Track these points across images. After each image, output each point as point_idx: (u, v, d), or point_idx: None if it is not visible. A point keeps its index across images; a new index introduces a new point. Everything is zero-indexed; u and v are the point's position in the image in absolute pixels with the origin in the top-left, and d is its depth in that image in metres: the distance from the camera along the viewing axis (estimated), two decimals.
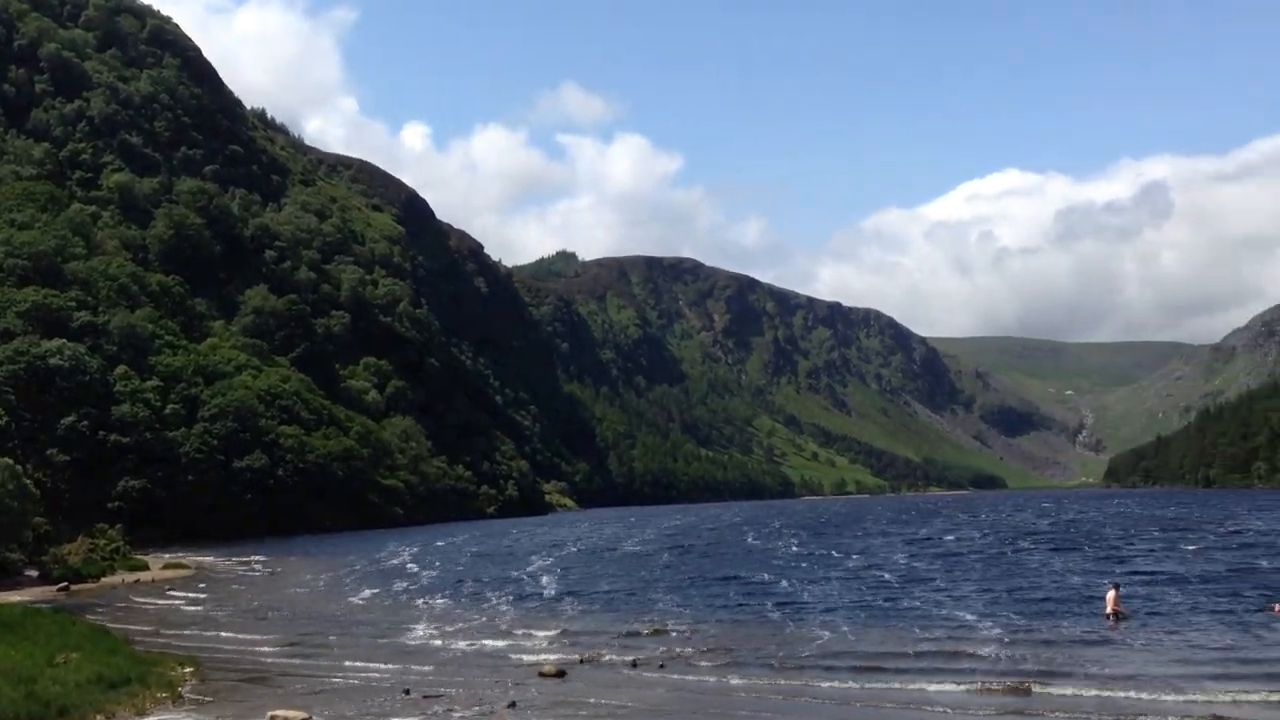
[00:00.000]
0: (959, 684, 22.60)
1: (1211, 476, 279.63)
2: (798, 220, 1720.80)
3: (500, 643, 31.80)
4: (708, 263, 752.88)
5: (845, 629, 30.78)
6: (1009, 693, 21.68)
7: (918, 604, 35.71)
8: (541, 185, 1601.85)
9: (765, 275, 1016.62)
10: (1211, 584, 38.40)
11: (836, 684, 23.55)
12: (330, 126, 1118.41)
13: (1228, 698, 19.92)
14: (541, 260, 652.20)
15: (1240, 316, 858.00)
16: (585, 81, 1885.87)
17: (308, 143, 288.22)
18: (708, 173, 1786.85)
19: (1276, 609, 30.89)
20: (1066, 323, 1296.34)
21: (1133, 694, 20.94)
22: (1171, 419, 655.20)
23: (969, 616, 32.10)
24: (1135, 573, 42.75)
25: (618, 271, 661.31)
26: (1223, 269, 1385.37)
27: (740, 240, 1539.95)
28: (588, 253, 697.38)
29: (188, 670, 26.95)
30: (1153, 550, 54.87)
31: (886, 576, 45.24)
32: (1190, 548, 54.81)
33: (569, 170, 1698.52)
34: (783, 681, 23.97)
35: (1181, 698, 20.43)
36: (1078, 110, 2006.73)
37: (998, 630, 29.35)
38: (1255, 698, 20.22)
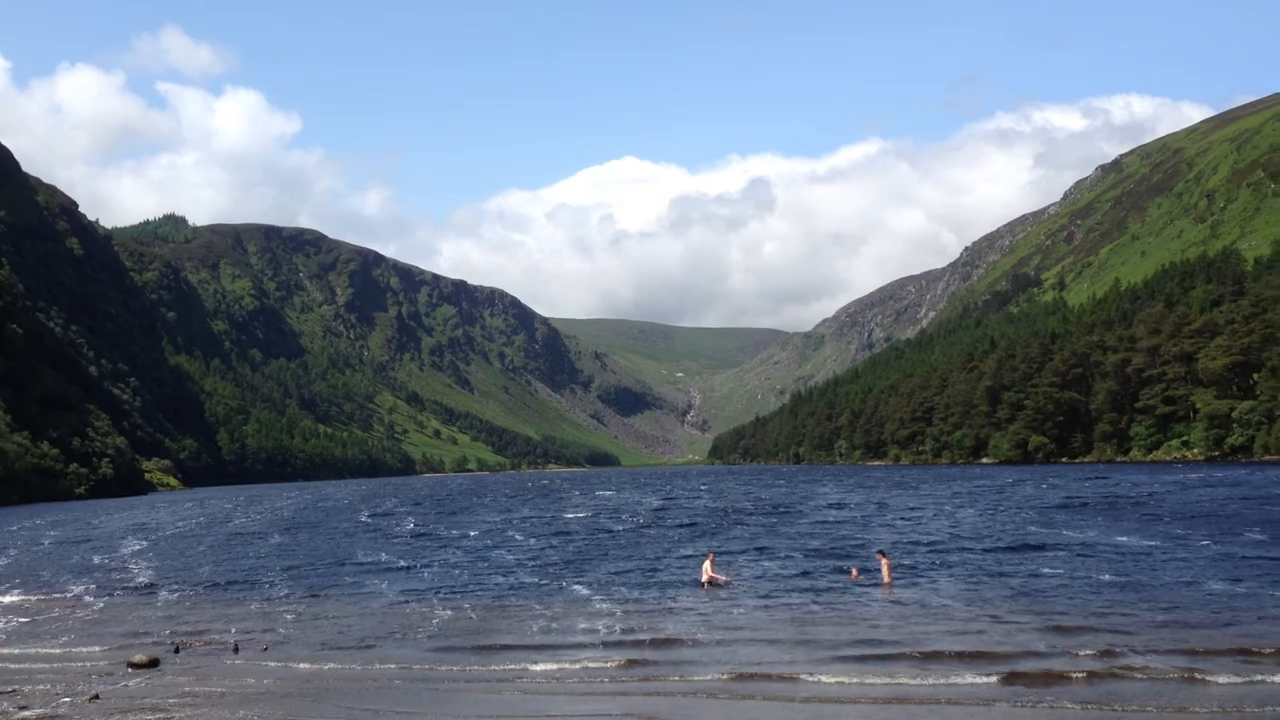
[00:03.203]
0: (570, 658, 22.93)
1: (801, 454, 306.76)
2: (420, 194, 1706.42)
3: (85, 634, 28.97)
4: (330, 234, 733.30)
5: (466, 606, 30.59)
6: (619, 666, 22.26)
7: (535, 579, 36.20)
8: (140, 137, 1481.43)
9: (388, 248, 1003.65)
10: (800, 552, 41.62)
11: (450, 664, 23.22)
12: None
13: (823, 668, 21.37)
14: (147, 223, 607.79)
15: (830, 307, 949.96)
16: (191, 28, 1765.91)
17: None
18: (327, 136, 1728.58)
19: (853, 574, 33.95)
20: (678, 307, 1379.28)
21: (731, 661, 22.12)
22: (769, 400, 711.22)
23: (583, 591, 32.88)
24: (727, 548, 45.58)
25: (233, 239, 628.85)
26: (816, 262, 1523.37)
27: (361, 210, 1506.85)
28: (196, 214, 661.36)
29: None
30: (750, 523, 58.91)
31: (505, 554, 45.68)
32: (776, 521, 59.45)
33: (173, 122, 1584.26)
34: (393, 665, 23.34)
35: (783, 663, 21.77)
36: (691, 106, 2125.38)
37: (608, 604, 30.19)
38: (849, 664, 21.87)
